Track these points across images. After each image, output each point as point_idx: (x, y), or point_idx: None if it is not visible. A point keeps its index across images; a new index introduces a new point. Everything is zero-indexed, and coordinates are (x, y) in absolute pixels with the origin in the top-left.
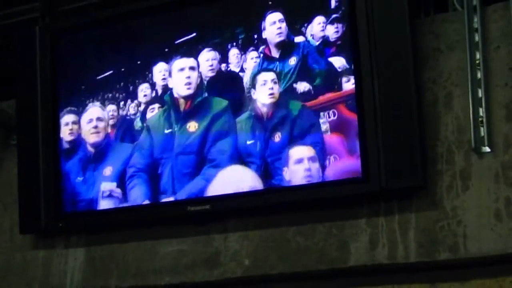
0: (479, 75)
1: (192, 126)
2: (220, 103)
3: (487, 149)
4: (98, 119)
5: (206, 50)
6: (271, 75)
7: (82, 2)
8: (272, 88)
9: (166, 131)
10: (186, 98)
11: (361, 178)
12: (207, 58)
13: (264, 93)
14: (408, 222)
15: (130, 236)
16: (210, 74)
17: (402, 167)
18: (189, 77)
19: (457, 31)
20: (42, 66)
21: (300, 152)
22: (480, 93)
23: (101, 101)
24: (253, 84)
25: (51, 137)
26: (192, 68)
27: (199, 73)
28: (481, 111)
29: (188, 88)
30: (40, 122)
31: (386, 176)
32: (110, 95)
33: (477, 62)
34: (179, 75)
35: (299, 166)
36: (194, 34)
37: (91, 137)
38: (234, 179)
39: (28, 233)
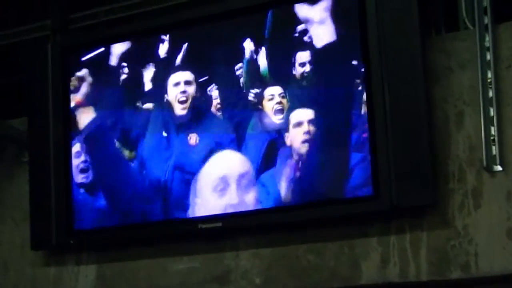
0: (490, 93)
1: None
2: None
3: (499, 167)
4: None
5: None
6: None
7: (93, 20)
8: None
9: None
10: None
11: (372, 196)
12: None
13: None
14: (420, 241)
15: (141, 253)
16: None
17: (413, 186)
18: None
19: (468, 50)
20: (54, 83)
21: None
22: (492, 111)
23: None
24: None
25: (62, 154)
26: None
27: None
28: (493, 130)
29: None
30: (52, 139)
31: (398, 194)
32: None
33: (489, 80)
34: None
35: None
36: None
37: None
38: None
39: (39, 250)
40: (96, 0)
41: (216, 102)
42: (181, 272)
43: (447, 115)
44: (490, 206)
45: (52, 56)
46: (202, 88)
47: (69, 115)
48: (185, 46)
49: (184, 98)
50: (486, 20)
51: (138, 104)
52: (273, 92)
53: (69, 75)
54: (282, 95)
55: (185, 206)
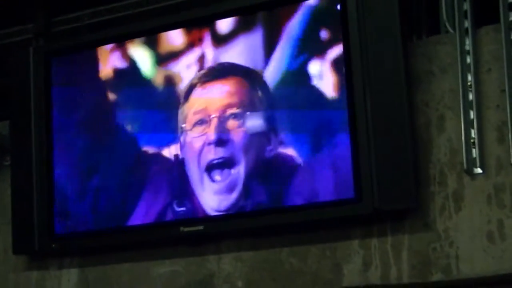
0: (471, 97)
1: None
2: None
3: (479, 170)
4: None
5: None
6: None
7: (76, 23)
8: None
9: None
10: None
11: (354, 199)
12: None
13: None
14: (401, 244)
15: (124, 257)
16: None
17: (395, 189)
18: None
19: (449, 54)
20: (36, 87)
21: None
22: (472, 115)
23: None
24: None
25: (44, 158)
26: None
27: None
28: (473, 133)
29: None
30: (34, 143)
31: (379, 197)
32: None
33: (469, 84)
34: None
35: None
36: None
37: None
38: None
39: (22, 254)
40: (79, 4)
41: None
42: (163, 276)
43: (428, 118)
44: (471, 209)
45: (34, 59)
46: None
47: (51, 119)
48: None
49: None
50: (467, 24)
51: (121, 107)
52: None
53: (51, 79)
54: None
55: (166, 209)
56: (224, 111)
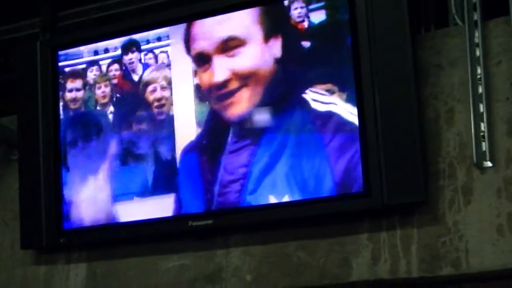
0: (480, 90)
1: None
2: None
3: (489, 164)
4: None
5: None
6: None
7: (83, 17)
8: None
9: None
10: None
11: (363, 193)
12: None
13: None
14: (410, 238)
15: (132, 251)
16: None
17: (404, 183)
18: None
19: (458, 46)
20: (43, 82)
21: None
22: (481, 108)
23: None
24: None
25: (52, 153)
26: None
27: None
28: (483, 126)
29: None
30: (41, 138)
31: (388, 191)
32: None
33: (479, 77)
34: None
35: None
36: None
37: None
38: None
39: (29, 249)
40: None
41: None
42: (172, 270)
43: (437, 112)
44: (480, 203)
45: (41, 54)
46: None
47: (59, 114)
48: None
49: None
50: (476, 16)
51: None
52: None
53: (58, 73)
54: None
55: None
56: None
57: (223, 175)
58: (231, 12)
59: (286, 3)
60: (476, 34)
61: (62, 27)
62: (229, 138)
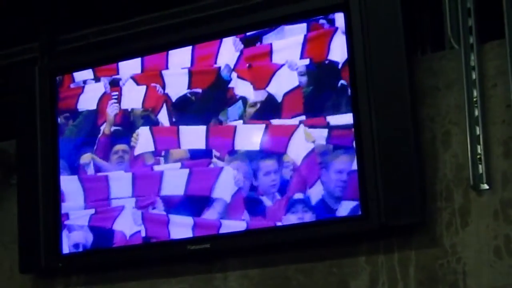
0: (476, 112)
1: None
2: None
3: (486, 186)
4: None
5: None
6: None
7: (81, 42)
8: None
9: None
10: None
11: (361, 215)
12: None
13: None
14: (408, 260)
15: (130, 275)
16: None
17: (401, 205)
18: None
19: (454, 69)
20: (42, 106)
21: None
22: (478, 130)
23: None
24: None
25: (50, 177)
26: None
27: None
28: (479, 149)
29: None
30: (40, 162)
31: (386, 213)
32: None
33: (475, 99)
34: None
35: None
36: None
37: None
38: None
39: (28, 273)
40: (85, 22)
41: None
42: None
43: (434, 134)
44: (478, 225)
45: (40, 78)
46: None
47: (57, 138)
48: None
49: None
50: (472, 39)
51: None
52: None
53: (57, 98)
54: None
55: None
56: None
57: None
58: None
59: None
60: (472, 57)
61: (60, 52)
62: None
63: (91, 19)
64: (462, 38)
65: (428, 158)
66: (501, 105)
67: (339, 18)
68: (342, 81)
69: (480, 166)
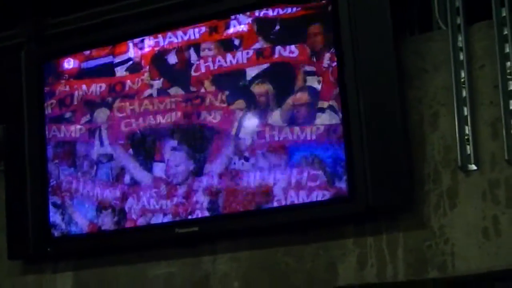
0: (464, 93)
1: None
2: None
3: (474, 167)
4: None
5: None
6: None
7: (68, 26)
8: None
9: None
10: None
11: (348, 198)
12: None
13: None
14: (396, 242)
15: (119, 259)
16: None
17: (388, 187)
18: None
19: (442, 50)
20: (28, 92)
21: None
22: (465, 111)
23: None
24: None
25: (38, 163)
26: None
27: None
28: (467, 130)
29: None
30: (27, 148)
31: (373, 195)
32: None
33: (462, 80)
34: None
35: None
36: None
37: None
38: None
39: (17, 259)
40: (73, 6)
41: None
42: (159, 278)
43: (422, 116)
44: (466, 206)
45: (26, 63)
46: None
47: (44, 124)
48: None
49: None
50: (459, 20)
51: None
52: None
53: (43, 83)
54: None
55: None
56: None
57: None
58: None
59: None
60: (460, 38)
61: (47, 37)
62: None
63: (78, 3)
64: (449, 19)
65: (416, 140)
66: (488, 86)
67: None
68: None
69: (468, 147)
